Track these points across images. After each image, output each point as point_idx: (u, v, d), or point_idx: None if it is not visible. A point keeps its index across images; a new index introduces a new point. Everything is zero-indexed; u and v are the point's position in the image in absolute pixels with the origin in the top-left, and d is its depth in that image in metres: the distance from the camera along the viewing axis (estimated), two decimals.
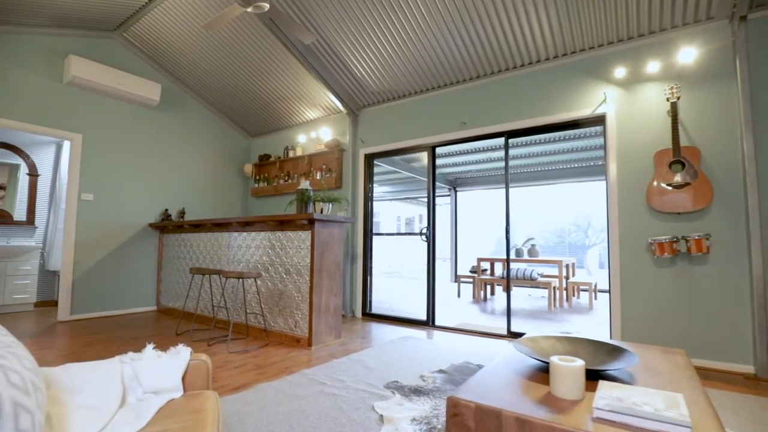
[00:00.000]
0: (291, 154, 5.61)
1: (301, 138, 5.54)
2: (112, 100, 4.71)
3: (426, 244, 4.34)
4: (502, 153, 7.07)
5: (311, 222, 3.31)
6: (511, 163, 7.44)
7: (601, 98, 3.45)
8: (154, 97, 4.84)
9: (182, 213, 5.32)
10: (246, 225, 3.88)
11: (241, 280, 3.85)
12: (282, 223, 3.56)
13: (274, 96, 5.17)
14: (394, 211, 15.90)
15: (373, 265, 4.88)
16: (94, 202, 4.54)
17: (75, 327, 3.95)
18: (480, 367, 2.76)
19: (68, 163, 4.43)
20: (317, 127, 5.42)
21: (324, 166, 5.13)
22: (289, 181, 5.58)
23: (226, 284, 4.02)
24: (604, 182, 3.43)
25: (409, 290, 7.94)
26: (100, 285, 4.54)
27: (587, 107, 3.50)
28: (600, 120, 3.48)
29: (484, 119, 4.02)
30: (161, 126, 5.19)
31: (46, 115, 4.22)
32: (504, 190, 3.91)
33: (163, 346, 3.27)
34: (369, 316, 4.70)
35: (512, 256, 6.87)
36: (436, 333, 3.93)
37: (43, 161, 5.37)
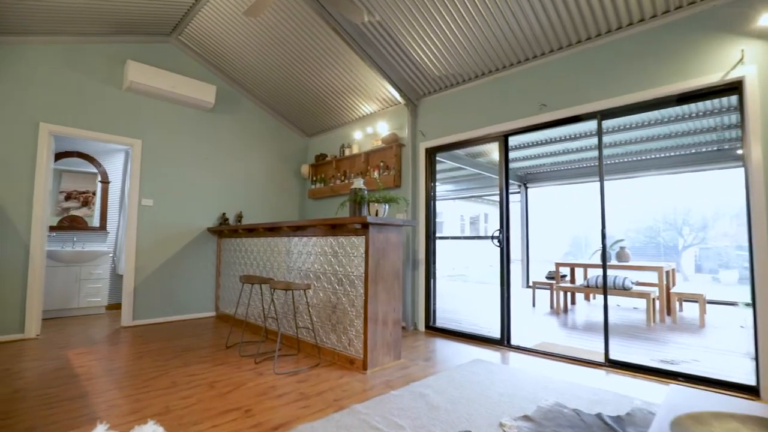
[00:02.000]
0: (347, 152, 5.26)
1: (357, 134, 5.17)
2: (168, 104, 4.70)
3: (498, 249, 3.72)
4: (580, 143, 6.15)
5: (365, 226, 2.89)
6: (591, 154, 6.48)
7: (736, 58, 2.60)
8: (209, 99, 4.75)
9: (239, 217, 5.22)
10: (297, 229, 3.57)
11: (290, 291, 3.54)
12: (333, 228, 3.18)
13: (329, 91, 4.85)
14: (456, 210, 15.14)
15: (437, 271, 4.36)
16: (153, 208, 4.55)
17: (134, 334, 3.93)
18: (577, 413, 2.12)
19: (130, 169, 4.47)
20: (374, 121, 5.01)
21: (381, 164, 4.71)
22: (345, 180, 5.25)
23: (276, 294, 3.75)
24: (740, 169, 2.59)
25: (476, 297, 7.27)
26: (160, 290, 4.53)
27: (712, 72, 2.67)
28: (733, 88, 2.64)
29: (569, 99, 3.31)
30: (217, 128, 5.12)
31: (109, 123, 4.27)
32: (598, 183, 3.17)
33: (210, 360, 3.05)
34: (433, 330, 4.17)
35: (594, 260, 5.93)
36: (513, 356, 3.30)
37: (114, 168, 5.57)
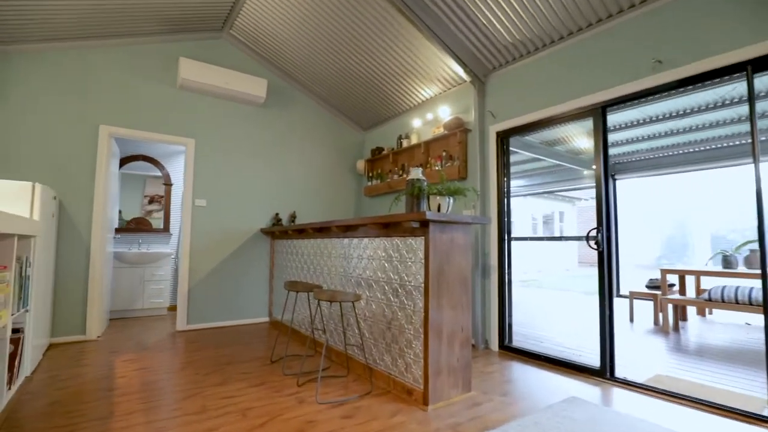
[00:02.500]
0: (404, 143, 4.74)
1: (416, 122, 4.63)
2: (220, 101, 4.55)
3: (596, 251, 2.94)
4: (692, 120, 4.97)
5: (424, 224, 2.33)
6: (706, 134, 5.24)
7: None
8: (261, 93, 4.52)
9: (293, 217, 4.94)
10: (346, 229, 3.12)
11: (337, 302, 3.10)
12: (386, 227, 2.67)
13: (385, 76, 4.37)
14: (526, 208, 13.88)
15: (512, 278, 3.66)
16: (207, 208, 4.41)
17: (186, 339, 3.76)
18: None
19: (184, 169, 4.37)
20: (434, 106, 4.43)
21: (444, 153, 4.11)
22: (403, 175, 4.72)
23: (322, 304, 3.33)
24: None
25: (555, 306, 6.34)
26: (213, 294, 4.38)
27: None
28: None
29: (698, 49, 2.45)
30: (270, 125, 4.89)
31: (164, 123, 4.19)
32: (753, 165, 2.29)
33: (250, 377, 2.70)
34: (509, 350, 3.48)
35: (715, 266, 4.74)
36: (619, 394, 2.52)
37: (176, 170, 5.62)
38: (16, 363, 2.46)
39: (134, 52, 4.07)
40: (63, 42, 3.70)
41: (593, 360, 2.98)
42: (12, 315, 2.31)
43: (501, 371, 2.95)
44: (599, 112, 2.99)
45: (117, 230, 5.10)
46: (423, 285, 2.33)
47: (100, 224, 3.81)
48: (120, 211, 5.24)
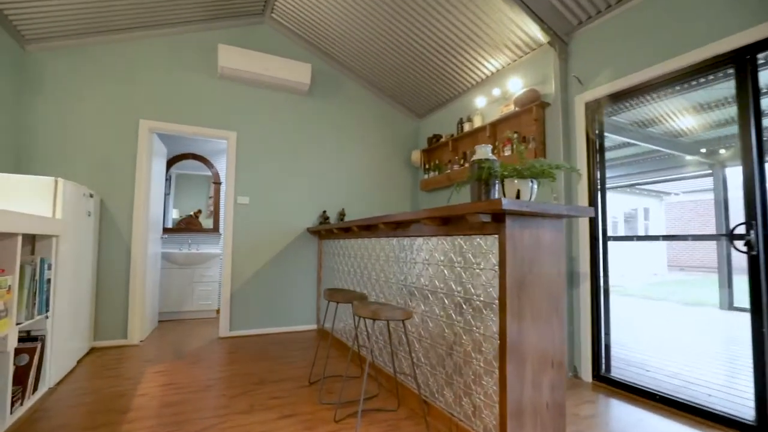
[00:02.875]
0: (466, 127, 4.08)
1: (479, 101, 3.95)
2: (261, 90, 4.22)
3: (745, 255, 2.08)
4: None
5: (498, 217, 1.70)
6: None
7: None
8: (305, 79, 4.12)
9: (342, 215, 4.50)
10: (396, 227, 2.56)
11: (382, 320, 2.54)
12: (445, 222, 2.07)
13: (444, 48, 3.75)
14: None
15: (609, 289, 2.85)
16: (250, 206, 4.10)
17: (225, 348, 3.45)
18: None
19: (226, 165, 4.10)
20: (502, 79, 3.72)
21: (515, 135, 3.40)
22: (465, 164, 4.06)
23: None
24: None
25: (650, 319, 5.26)
26: (257, 298, 4.05)
27: None
28: None
29: None
30: (315, 115, 4.49)
31: (205, 115, 3.95)
32: None
33: (282, 403, 2.24)
34: (606, 382, 2.69)
35: None
36: None
37: (224, 168, 5.45)
38: (31, 376, 2.23)
39: (173, 42, 3.86)
40: (103, 35, 3.57)
41: (739, 406, 2.13)
42: (19, 324, 2.06)
43: (601, 415, 2.20)
44: (744, 62, 2.12)
45: (166, 230, 5.01)
46: (498, 301, 1.69)
47: (141, 224, 3.63)
48: (168, 211, 5.16)
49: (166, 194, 5.11)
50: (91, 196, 3.19)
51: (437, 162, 4.58)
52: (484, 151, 2.02)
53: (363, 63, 4.42)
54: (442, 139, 4.47)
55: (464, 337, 1.89)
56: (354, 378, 2.73)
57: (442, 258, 2.11)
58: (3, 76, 3.09)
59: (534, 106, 3.20)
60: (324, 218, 4.38)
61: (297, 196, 4.33)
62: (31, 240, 2.42)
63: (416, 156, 4.87)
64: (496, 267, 1.70)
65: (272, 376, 2.73)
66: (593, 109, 2.93)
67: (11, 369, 1.96)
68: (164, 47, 3.82)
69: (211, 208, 5.34)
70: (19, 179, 2.44)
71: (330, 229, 3.61)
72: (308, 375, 2.77)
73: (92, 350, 3.32)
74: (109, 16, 3.38)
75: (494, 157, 1.99)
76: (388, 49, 4.02)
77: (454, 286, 2.00)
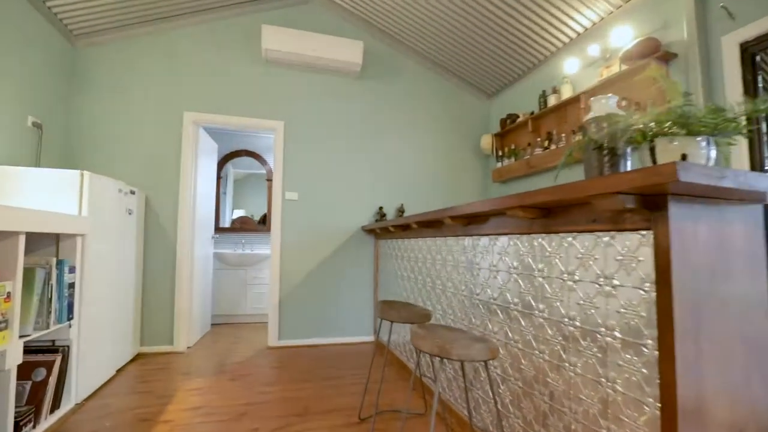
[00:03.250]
0: (551, 101, 3.31)
1: (569, 66, 3.15)
2: (309, 74, 3.81)
3: None
4: None
5: (653, 201, 1.02)
6: None
7: None
8: (356, 59, 3.64)
9: (401, 211, 3.95)
10: (469, 222, 1.94)
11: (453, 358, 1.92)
12: (547, 214, 1.41)
13: (521, 5, 3.04)
14: None
15: None
16: (299, 202, 3.71)
17: (272, 360, 3.07)
18: None
19: (273, 157, 3.75)
20: (602, 33, 2.91)
21: (624, 103, 2.59)
22: (551, 147, 3.29)
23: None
24: None
25: None
26: (307, 305, 3.65)
27: None
28: None
29: None
30: (369, 99, 3.99)
31: (250, 105, 3.63)
32: None
33: None
34: None
35: None
36: None
37: None
38: (48, 393, 1.96)
39: (215, 28, 3.59)
40: (146, 25, 3.38)
41: None
42: (25, 336, 1.79)
43: None
44: None
45: (221, 230, 4.84)
46: (654, 341, 1.01)
47: (186, 223, 3.39)
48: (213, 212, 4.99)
49: (222, 193, 4.96)
50: (133, 192, 2.98)
51: (513, 147, 3.84)
52: (605, 104, 1.35)
53: (422, 37, 3.83)
54: (519, 119, 3.72)
55: (583, 390, 1.23)
56: (416, 416, 2.15)
57: (540, 266, 1.46)
58: (54, 75, 2.99)
59: (654, 57, 2.38)
60: (381, 215, 3.86)
61: (350, 190, 3.86)
62: (56, 240, 2.18)
63: (487, 141, 4.16)
64: (648, 284, 1.02)
65: (317, 405, 2.25)
66: (753, 51, 2.05)
67: (12, 390, 1.67)
68: (206, 34, 3.56)
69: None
70: (43, 173, 2.22)
71: (386, 227, 3.07)
72: (359, 406, 2.25)
73: (138, 356, 3.13)
74: (151, 3, 3.17)
75: (621, 112, 1.31)
76: (452, 18, 3.39)
77: (561, 309, 1.34)
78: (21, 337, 1.76)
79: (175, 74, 3.45)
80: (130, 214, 2.92)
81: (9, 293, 1.64)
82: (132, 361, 3.02)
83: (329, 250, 3.74)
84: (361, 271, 3.82)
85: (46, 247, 2.16)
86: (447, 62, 4.10)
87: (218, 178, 4.89)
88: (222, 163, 4.93)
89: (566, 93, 3.15)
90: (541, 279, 1.45)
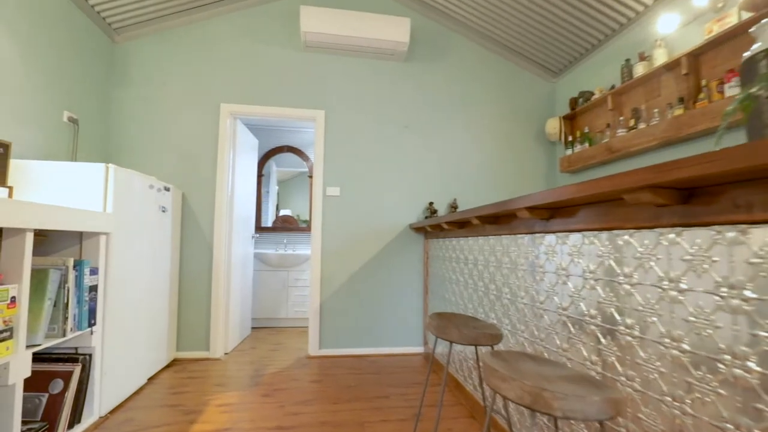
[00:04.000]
0: (639, 69, 2.73)
1: (664, 25, 2.56)
2: (351, 58, 3.50)
3: None
4: None
5: None
6: None
7: None
8: (402, 38, 3.27)
9: (453, 207, 3.52)
10: (551, 215, 1.50)
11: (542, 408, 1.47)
12: (687, 198, 0.95)
13: None
14: None
15: None
16: (340, 198, 3.40)
17: (310, 374, 2.77)
18: None
19: (314, 150, 3.48)
20: None
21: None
22: (640, 125, 2.71)
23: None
24: None
25: None
26: (350, 311, 3.33)
27: None
28: None
29: None
30: (417, 84, 3.60)
31: (289, 94, 3.39)
32: None
33: None
34: None
35: None
36: None
37: None
38: (66, 407, 1.78)
39: (253, 14, 3.38)
40: (183, 15, 3.24)
41: None
42: (34, 346, 1.60)
43: None
44: None
45: (262, 229, 4.68)
46: None
47: (223, 222, 3.20)
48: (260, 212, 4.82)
49: (265, 192, 4.80)
50: (167, 189, 2.81)
51: (586, 130, 3.28)
52: None
53: (476, 9, 3.38)
54: (595, 97, 3.16)
55: None
56: None
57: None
58: (93, 70, 2.91)
59: None
60: (431, 211, 3.45)
61: (397, 184, 3.50)
62: (80, 239, 2.02)
63: (553, 126, 3.62)
64: None
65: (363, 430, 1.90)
66: None
67: (17, 407, 1.48)
68: (243, 20, 3.36)
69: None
70: (65, 167, 2.07)
71: (439, 224, 2.67)
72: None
73: (174, 362, 2.97)
74: None
75: None
76: None
77: (720, 339, 0.88)
78: (29, 347, 1.57)
79: (211, 65, 3.29)
80: (164, 211, 2.76)
81: (14, 298, 1.45)
82: (167, 367, 2.86)
83: (374, 250, 3.40)
84: (408, 274, 3.44)
85: (70, 246, 2.00)
86: (505, 37, 3.61)
87: (260, 175, 4.74)
88: (263, 160, 4.78)
89: (660, 58, 2.57)
90: (669, 291, 0.99)
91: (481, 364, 1.80)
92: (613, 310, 1.20)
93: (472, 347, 2.22)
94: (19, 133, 2.22)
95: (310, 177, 4.85)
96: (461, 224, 2.41)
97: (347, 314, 3.31)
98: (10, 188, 1.86)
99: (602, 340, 1.23)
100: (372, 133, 3.48)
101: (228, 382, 2.57)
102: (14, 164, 2.02)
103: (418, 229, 3.35)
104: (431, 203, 3.49)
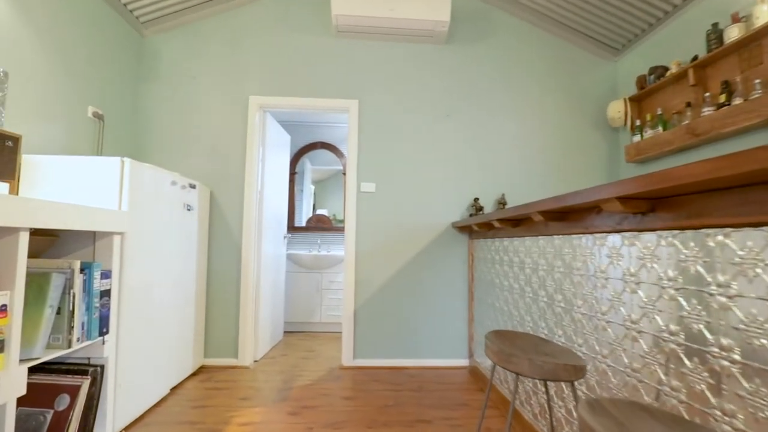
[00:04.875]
0: (730, 35, 2.25)
1: None
2: (386, 43, 3.21)
3: None
4: None
5: None
6: None
7: None
8: (442, 16, 2.94)
9: (502, 203, 3.15)
10: (654, 206, 1.13)
11: None
12: None
13: None
14: None
15: None
16: (376, 194, 3.13)
17: (342, 388, 2.51)
18: None
19: (347, 143, 3.22)
20: None
21: None
22: (734, 100, 2.23)
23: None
24: None
25: None
26: (386, 319, 3.04)
27: None
28: None
29: None
30: (458, 68, 3.26)
31: (321, 84, 3.16)
32: None
33: None
34: None
35: None
36: None
37: None
38: (73, 424, 1.61)
39: (282, 1, 3.18)
40: (211, 5, 3.09)
41: None
42: (30, 360, 1.43)
43: None
44: None
45: (296, 229, 4.50)
46: None
47: (252, 221, 3.01)
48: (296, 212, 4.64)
49: (299, 190, 4.62)
50: (192, 186, 2.65)
51: (659, 112, 2.80)
52: None
53: None
54: (671, 72, 2.68)
55: None
56: None
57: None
58: (120, 65, 2.82)
59: None
60: (477, 208, 3.10)
61: (437, 179, 3.17)
62: (93, 239, 1.86)
63: (616, 109, 3.15)
64: None
65: None
66: None
67: (9, 429, 1.30)
68: (271, 8, 3.16)
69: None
70: (77, 162, 1.92)
71: (488, 222, 2.32)
72: None
73: (201, 370, 2.81)
74: None
75: None
76: None
77: None
78: (24, 361, 1.40)
79: (239, 56, 3.12)
80: (189, 210, 2.59)
81: (4, 306, 1.28)
82: (193, 375, 2.69)
83: (412, 251, 3.10)
84: (451, 277, 3.10)
85: (83, 248, 1.85)
86: (558, 11, 3.19)
87: (293, 173, 4.56)
88: (297, 157, 4.60)
89: (763, 17, 2.08)
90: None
91: (575, 418, 1.45)
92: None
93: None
94: (40, 128, 2.11)
95: (345, 174, 4.62)
96: (516, 222, 2.05)
97: (384, 321, 3.03)
98: (11, 183, 1.73)
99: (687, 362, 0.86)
100: (410, 124, 3.18)
101: (254, 395, 2.35)
102: (29, 159, 1.90)
103: (463, 228, 3.01)
104: (476, 199, 3.13)
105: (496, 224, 2.21)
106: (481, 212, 3.11)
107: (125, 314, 1.91)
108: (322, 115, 4.36)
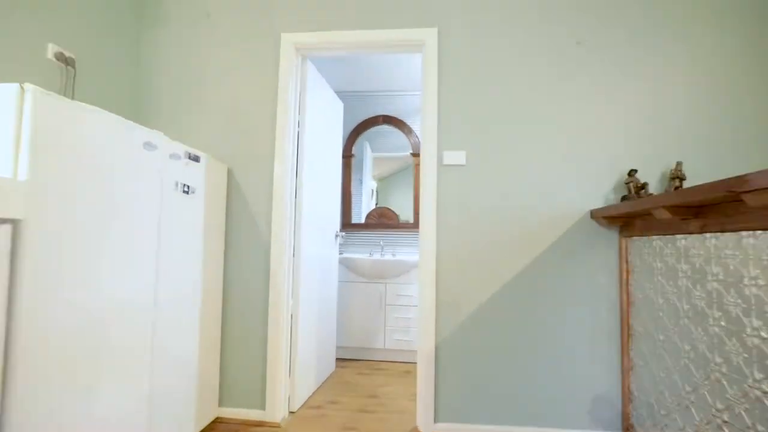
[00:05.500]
0: None
1: None
2: None
3: None
4: None
5: None
6: None
7: None
8: None
9: (677, 177, 1.88)
10: None
11: None
12: None
13: None
14: None
15: None
16: (466, 169, 2.04)
17: None
18: None
19: (422, 93, 2.19)
20: None
21: None
22: None
23: None
24: None
25: None
26: (486, 358, 1.93)
27: None
28: None
29: None
30: None
31: (376, 8, 2.15)
32: None
33: None
34: None
35: None
36: None
37: None
38: None
39: None
40: None
41: None
42: None
43: None
44: None
45: (351, 226, 3.56)
46: None
47: (285, 212, 2.09)
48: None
49: (357, 180, 3.67)
50: (194, 159, 1.78)
51: None
52: None
53: None
54: None
55: None
56: None
57: None
58: (122, 6, 2.08)
59: None
60: (636, 187, 1.87)
61: (562, 145, 2.00)
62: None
63: None
64: None
65: None
66: None
67: None
68: None
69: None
70: None
71: (666, 206, 1.12)
72: None
73: (215, 423, 1.94)
74: None
75: None
76: None
77: None
78: None
79: None
80: (186, 193, 1.72)
81: None
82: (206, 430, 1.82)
83: (525, 257, 1.96)
84: (587, 297, 1.91)
85: None
86: None
87: (348, 156, 3.63)
88: (353, 136, 3.66)
89: None
90: None
91: None
92: None
93: None
94: None
95: (414, 155, 3.58)
96: (697, 209, 0.85)
97: (481, 365, 1.93)
98: None
99: None
100: (517, 61, 2.05)
101: None
102: None
103: (610, 218, 1.82)
104: (632, 171, 1.90)
105: (665, 214, 1.01)
106: (643, 191, 1.88)
107: (29, 361, 1.05)
108: (384, 54, 3.35)
